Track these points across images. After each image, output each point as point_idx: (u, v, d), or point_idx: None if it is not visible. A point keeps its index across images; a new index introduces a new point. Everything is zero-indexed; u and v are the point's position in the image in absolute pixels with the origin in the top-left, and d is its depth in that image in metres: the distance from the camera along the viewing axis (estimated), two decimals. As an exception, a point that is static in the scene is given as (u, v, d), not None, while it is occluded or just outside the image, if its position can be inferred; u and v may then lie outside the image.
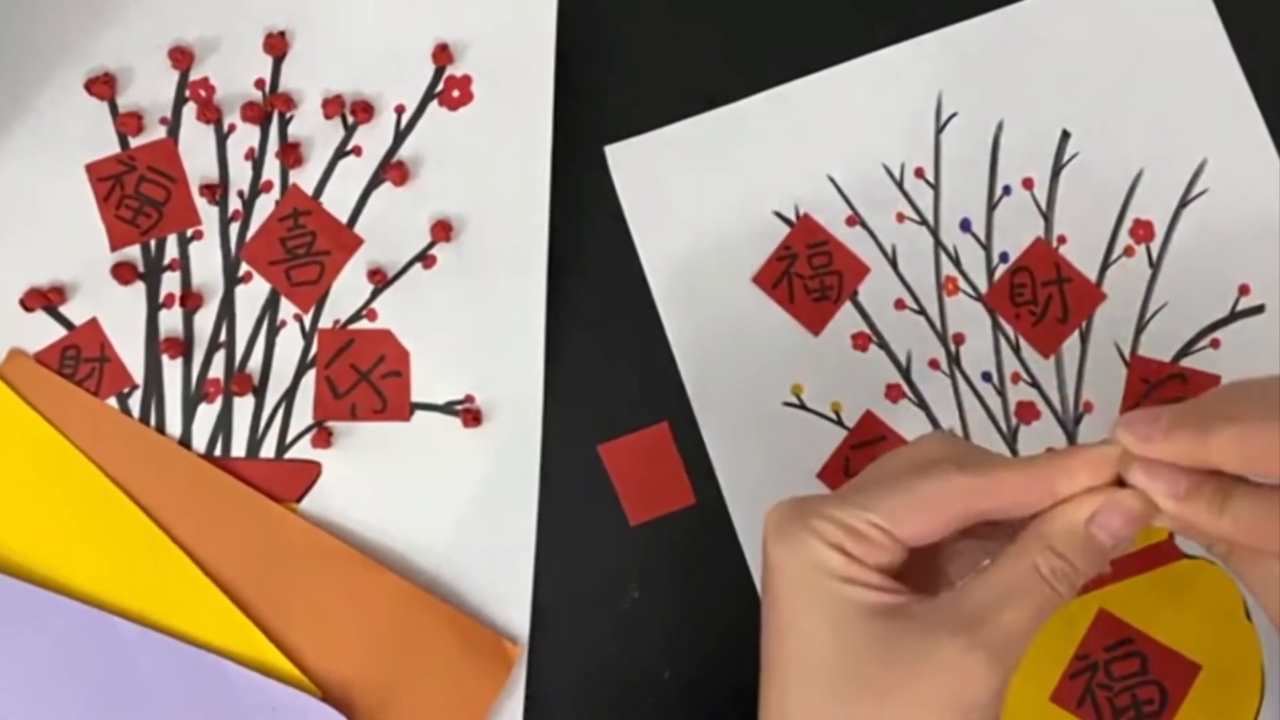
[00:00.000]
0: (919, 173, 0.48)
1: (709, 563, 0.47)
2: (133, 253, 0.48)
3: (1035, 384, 0.47)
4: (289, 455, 0.47)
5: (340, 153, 0.48)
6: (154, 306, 0.47)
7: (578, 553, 0.47)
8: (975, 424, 0.47)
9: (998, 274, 0.48)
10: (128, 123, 0.48)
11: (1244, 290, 0.48)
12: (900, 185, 0.48)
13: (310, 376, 0.47)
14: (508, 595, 0.46)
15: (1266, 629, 0.46)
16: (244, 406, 0.47)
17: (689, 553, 0.47)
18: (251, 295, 0.48)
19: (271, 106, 0.48)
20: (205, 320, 0.47)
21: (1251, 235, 0.48)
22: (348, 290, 0.48)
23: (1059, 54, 0.49)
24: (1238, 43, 0.49)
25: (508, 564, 0.46)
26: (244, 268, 0.48)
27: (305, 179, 0.48)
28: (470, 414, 0.47)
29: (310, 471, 0.47)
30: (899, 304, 0.48)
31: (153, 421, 0.47)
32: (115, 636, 0.45)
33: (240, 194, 0.48)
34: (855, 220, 0.48)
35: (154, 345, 0.47)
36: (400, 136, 0.48)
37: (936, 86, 0.49)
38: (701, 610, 0.47)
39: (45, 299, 0.47)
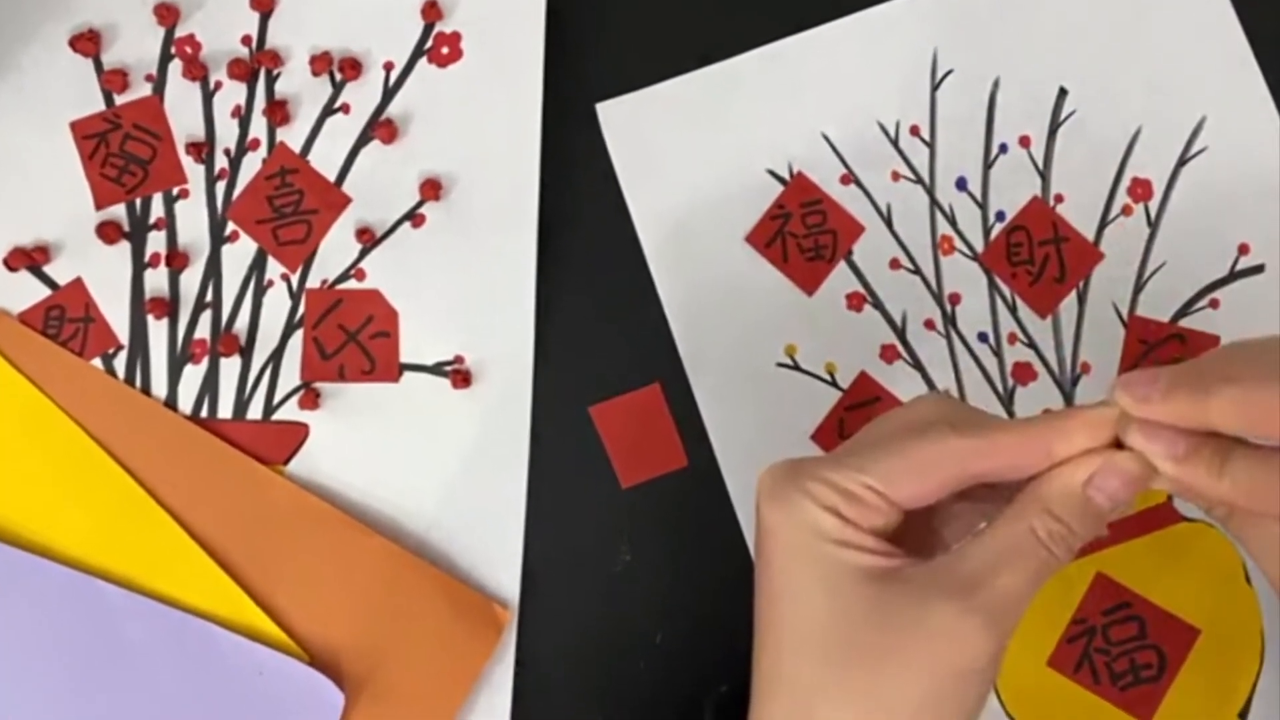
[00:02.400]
0: (914, 130, 0.48)
1: (701, 526, 0.46)
2: (118, 212, 0.47)
3: (1032, 344, 0.47)
4: (276, 417, 0.46)
5: (328, 110, 0.48)
6: (139, 266, 0.47)
7: (568, 515, 0.46)
8: (971, 385, 0.47)
9: (994, 233, 0.47)
10: (113, 80, 0.47)
11: (1243, 250, 0.47)
12: (895, 143, 0.48)
13: (298, 337, 0.47)
14: (498, 558, 0.46)
15: (1266, 593, 0.46)
16: (230, 367, 0.46)
17: (681, 515, 0.46)
18: (238, 255, 0.47)
19: (258, 63, 0.47)
20: (191, 280, 0.47)
21: (1251, 194, 0.47)
22: (336, 249, 0.47)
23: (1056, 10, 0.48)
24: (1238, -1, 0.48)
25: (497, 527, 0.46)
26: (230, 227, 0.47)
27: (293, 137, 0.47)
28: (460, 375, 0.46)
29: (298, 433, 0.46)
30: (894, 264, 0.47)
31: (138, 383, 0.46)
32: (101, 600, 0.44)
33: (227, 152, 0.47)
34: (850, 179, 0.48)
35: (139, 305, 0.47)
36: (389, 94, 0.48)
37: (932, 43, 0.48)
38: (694, 573, 0.46)
39: (29, 258, 0.46)
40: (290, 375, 0.46)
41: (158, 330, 0.46)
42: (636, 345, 0.47)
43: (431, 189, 0.47)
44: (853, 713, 0.32)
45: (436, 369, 0.46)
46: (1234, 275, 0.47)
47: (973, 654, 0.32)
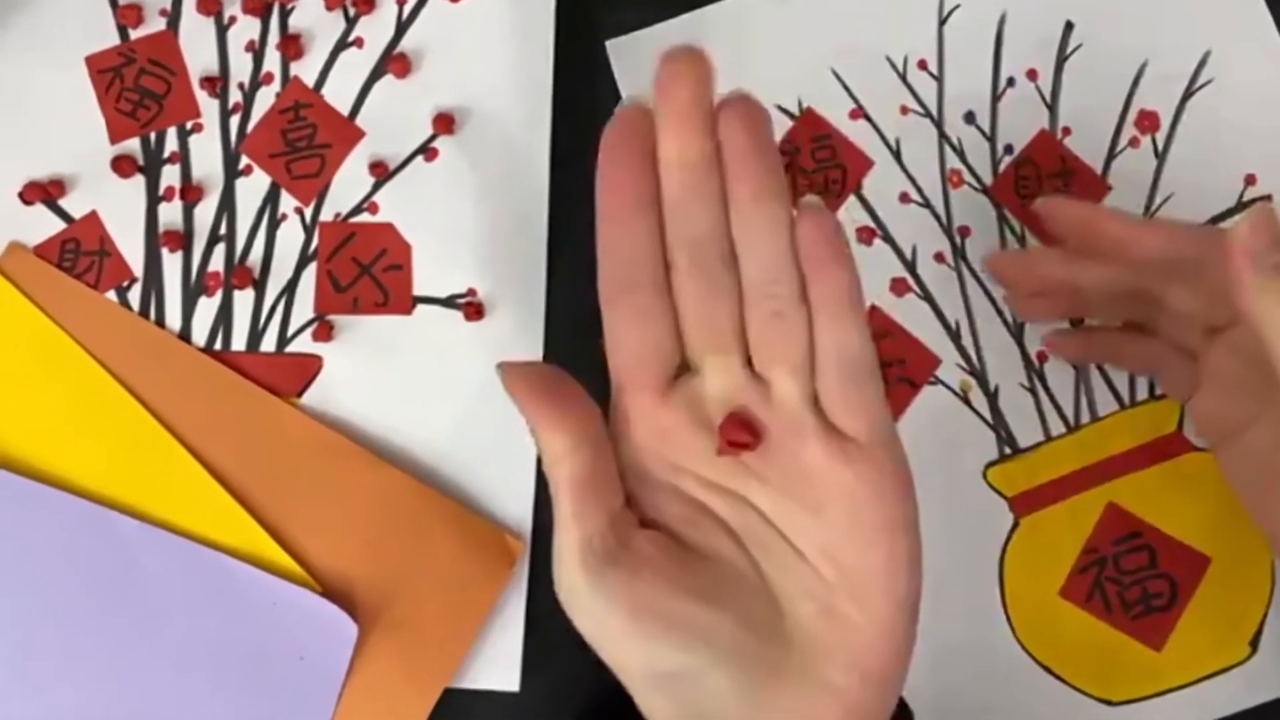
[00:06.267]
0: (922, 65, 0.48)
1: (714, 456, 0.46)
2: (132, 145, 0.47)
3: (1041, 276, 0.47)
4: (290, 349, 0.46)
5: (342, 44, 0.48)
6: (154, 199, 0.47)
7: (581, 447, 0.46)
8: (981, 318, 0.47)
9: (1002, 166, 0.48)
10: (128, 14, 0.47)
11: (1250, 180, 0.47)
12: (904, 78, 0.48)
13: (311, 270, 0.47)
14: (511, 490, 0.46)
15: (1277, 522, 0.46)
16: (244, 300, 0.47)
17: (693, 446, 0.46)
18: (252, 188, 0.47)
19: (272, -2, 0.48)
20: (205, 213, 0.47)
21: (1258, 125, 0.47)
22: (349, 183, 0.47)
23: (1062, -56, 0.49)
24: (1242, -68, 0.48)
25: (510, 458, 0.46)
26: (244, 160, 0.47)
27: (306, 71, 0.48)
28: (472, 307, 0.46)
29: (311, 365, 0.46)
30: (904, 197, 0.48)
31: (152, 315, 0.46)
32: (116, 532, 0.44)
33: (241, 86, 0.48)
34: (859, 113, 0.48)
35: (154, 238, 0.47)
36: (402, 28, 0.48)
37: (939, -23, 0.49)
38: (706, 504, 0.46)
39: (45, 192, 0.47)
40: (304, 308, 0.47)
41: (172, 263, 0.47)
42: (648, 278, 0.47)
43: (444, 123, 0.47)
44: None
45: (449, 301, 0.47)
46: (1241, 206, 0.47)
47: None
